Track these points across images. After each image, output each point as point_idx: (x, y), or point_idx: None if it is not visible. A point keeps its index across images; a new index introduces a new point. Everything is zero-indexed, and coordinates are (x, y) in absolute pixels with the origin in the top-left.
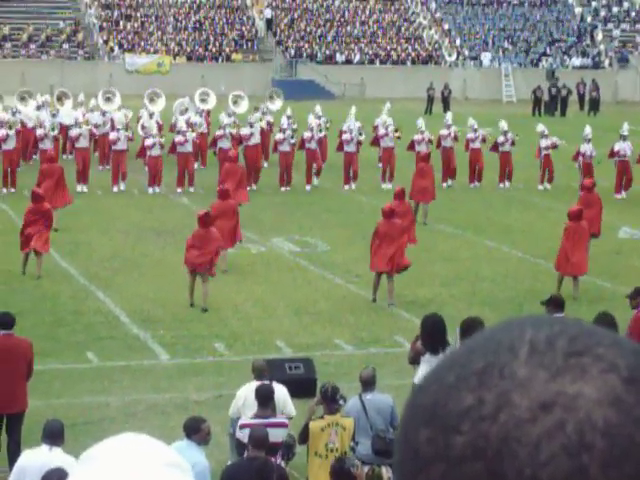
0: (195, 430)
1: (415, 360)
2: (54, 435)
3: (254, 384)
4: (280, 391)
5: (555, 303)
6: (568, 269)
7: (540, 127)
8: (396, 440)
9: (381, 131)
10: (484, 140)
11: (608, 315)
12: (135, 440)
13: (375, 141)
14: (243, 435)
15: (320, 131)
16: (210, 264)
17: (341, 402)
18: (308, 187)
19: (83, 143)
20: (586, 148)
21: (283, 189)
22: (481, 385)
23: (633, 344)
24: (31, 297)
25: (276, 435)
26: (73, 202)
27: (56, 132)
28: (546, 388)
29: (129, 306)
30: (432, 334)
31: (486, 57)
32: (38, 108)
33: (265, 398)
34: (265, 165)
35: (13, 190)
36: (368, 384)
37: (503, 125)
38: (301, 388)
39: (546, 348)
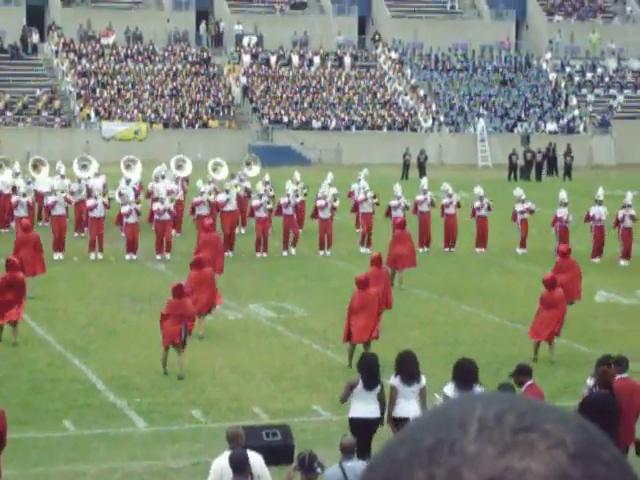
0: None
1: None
2: None
3: (228, 454)
4: (256, 459)
5: (523, 371)
6: (534, 335)
7: (518, 191)
8: None
9: (360, 196)
10: (459, 205)
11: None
12: None
13: (355, 207)
14: None
15: (297, 197)
16: (182, 335)
17: (318, 470)
18: (285, 253)
19: (59, 210)
20: (562, 212)
21: (259, 255)
22: (432, 461)
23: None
24: (7, 364)
25: None
26: (47, 271)
27: (29, 198)
28: (495, 464)
29: (106, 373)
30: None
31: (480, 123)
32: (16, 175)
33: (239, 464)
34: (242, 231)
35: None
36: (348, 451)
37: (479, 190)
38: (278, 455)
39: (495, 424)
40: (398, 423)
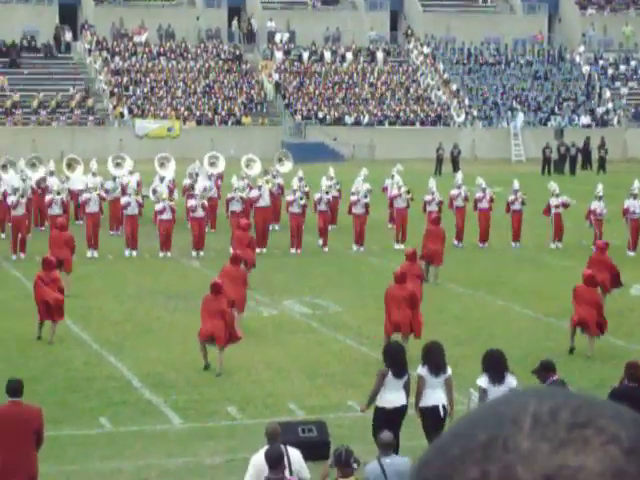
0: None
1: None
2: None
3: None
4: (295, 455)
5: (546, 367)
6: (583, 325)
7: (552, 185)
8: None
9: (394, 192)
10: (492, 200)
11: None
12: None
13: (389, 202)
14: None
15: (327, 193)
16: (228, 339)
17: (355, 465)
18: (326, 249)
19: (93, 208)
20: (596, 205)
21: (293, 251)
22: (485, 458)
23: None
24: (44, 363)
25: None
26: (78, 268)
27: (63, 197)
28: (549, 461)
29: (141, 371)
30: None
31: (519, 117)
32: (51, 174)
33: (275, 460)
34: (276, 227)
35: (23, 255)
36: (387, 447)
37: (515, 185)
38: (314, 451)
39: (549, 420)
40: (425, 412)
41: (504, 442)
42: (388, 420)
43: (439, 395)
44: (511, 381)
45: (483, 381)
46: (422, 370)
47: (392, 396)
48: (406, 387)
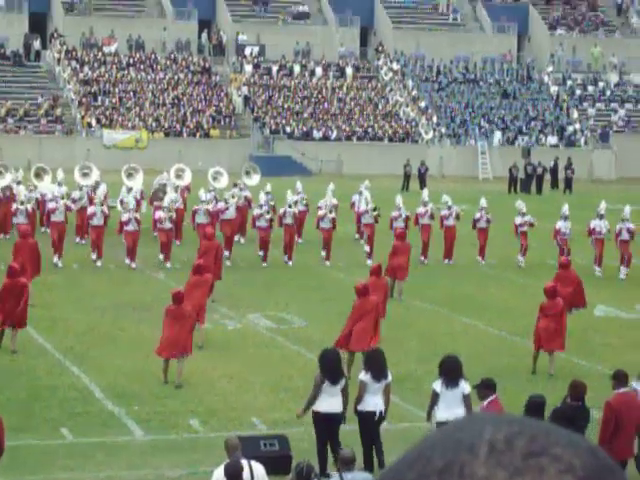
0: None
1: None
2: None
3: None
4: (258, 470)
5: (487, 386)
6: (544, 344)
7: (520, 204)
8: None
9: (362, 208)
10: (458, 217)
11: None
12: None
13: (357, 218)
14: None
15: (290, 207)
16: (184, 350)
17: None
18: (290, 262)
19: (59, 217)
20: (561, 225)
21: (264, 264)
22: None
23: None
24: (6, 372)
25: None
26: (43, 278)
27: (29, 206)
28: None
29: (104, 381)
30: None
31: (496, 136)
32: (18, 183)
33: (234, 475)
34: (242, 241)
35: None
36: (348, 463)
37: (483, 202)
38: (276, 465)
39: (505, 448)
40: (361, 416)
41: (460, 468)
42: (326, 424)
43: (377, 401)
44: (464, 387)
45: (437, 385)
46: (365, 376)
47: (328, 402)
48: (344, 392)
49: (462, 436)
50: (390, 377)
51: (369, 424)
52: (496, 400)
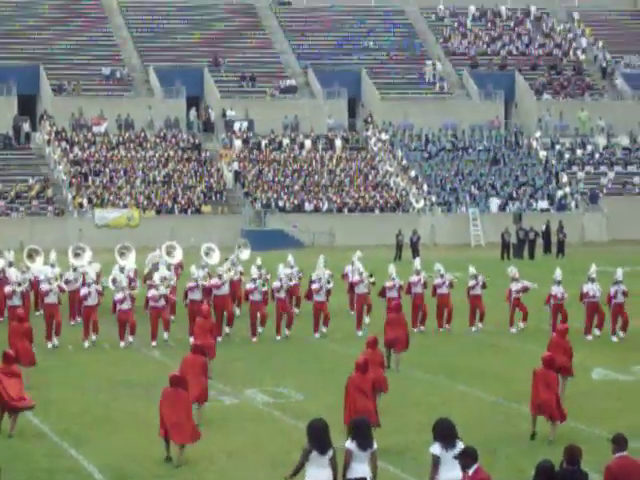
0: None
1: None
2: None
3: None
4: None
5: (469, 455)
6: (542, 412)
7: (512, 270)
8: None
9: (355, 278)
10: (451, 285)
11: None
12: None
13: (350, 288)
14: None
15: (290, 280)
16: (189, 436)
17: None
18: (278, 337)
19: (52, 299)
20: (557, 290)
21: (254, 339)
22: None
23: None
24: (4, 457)
25: None
26: (37, 361)
27: (23, 288)
28: None
29: (102, 462)
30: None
31: (493, 202)
32: (10, 265)
33: None
34: (238, 313)
35: None
36: None
37: (472, 270)
38: None
39: None
40: None
41: None
42: None
43: (365, 469)
44: (460, 445)
45: (436, 448)
46: (350, 445)
47: (317, 472)
48: (332, 462)
49: None
50: (375, 446)
51: None
52: (480, 468)
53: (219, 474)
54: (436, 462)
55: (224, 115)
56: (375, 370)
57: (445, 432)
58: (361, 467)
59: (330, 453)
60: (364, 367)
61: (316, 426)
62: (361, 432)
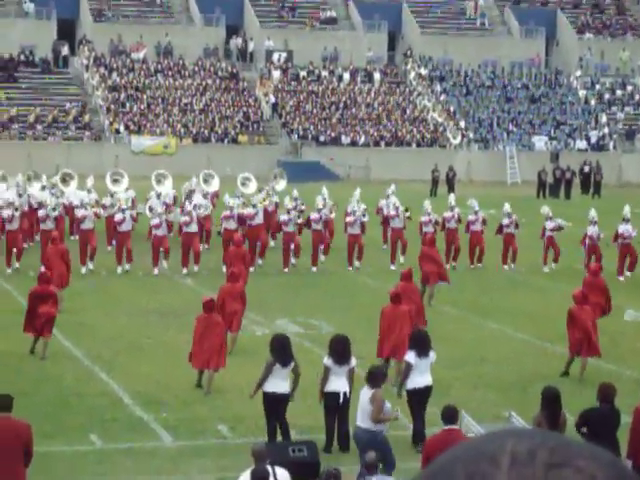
0: None
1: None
2: None
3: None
4: (283, 475)
5: (445, 416)
6: (582, 351)
7: (545, 209)
8: None
9: (391, 212)
10: (484, 222)
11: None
12: None
13: (384, 222)
14: None
15: (331, 212)
16: (217, 364)
17: None
18: (314, 268)
19: (88, 225)
20: (592, 230)
21: (286, 270)
22: None
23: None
24: (34, 378)
25: None
26: (71, 284)
27: (57, 213)
28: None
29: (132, 388)
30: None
31: (541, 140)
32: (43, 189)
33: None
34: (272, 244)
35: (18, 265)
36: (372, 468)
37: (507, 208)
38: (304, 471)
39: (527, 459)
40: (326, 396)
41: (482, 479)
42: (274, 404)
43: (342, 383)
44: (432, 355)
45: (411, 356)
46: (327, 361)
47: (277, 383)
48: (295, 372)
49: (484, 448)
50: (354, 362)
51: (334, 404)
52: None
53: (249, 403)
54: (408, 369)
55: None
56: (410, 302)
57: (420, 342)
58: (337, 382)
59: (292, 365)
60: (397, 298)
61: (279, 340)
62: (338, 348)
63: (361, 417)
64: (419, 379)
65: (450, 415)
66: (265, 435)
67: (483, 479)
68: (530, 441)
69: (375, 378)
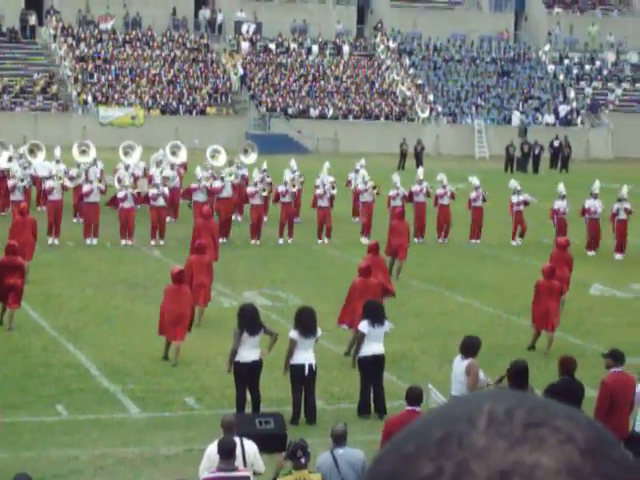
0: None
1: None
2: None
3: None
4: (250, 447)
5: (410, 397)
6: (544, 324)
7: (512, 183)
8: None
9: (360, 186)
10: (453, 196)
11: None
12: None
13: (355, 196)
14: None
15: (294, 186)
16: (183, 333)
17: (302, 460)
18: (280, 240)
19: (56, 196)
20: (560, 205)
21: (253, 242)
22: (440, 454)
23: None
24: (1, 349)
25: None
26: (37, 256)
27: (26, 183)
28: (505, 457)
29: (99, 359)
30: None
31: (515, 115)
32: (10, 159)
33: (227, 451)
34: (239, 219)
35: None
36: (340, 439)
37: (474, 181)
38: (271, 443)
39: (504, 419)
40: (292, 369)
41: (459, 439)
42: (246, 373)
43: (308, 355)
44: (387, 325)
45: (364, 326)
46: (293, 333)
47: (247, 352)
48: (270, 334)
49: (461, 410)
50: (320, 333)
51: (299, 377)
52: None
53: (215, 375)
54: (361, 338)
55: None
56: (378, 275)
57: (373, 311)
58: (303, 354)
59: (260, 334)
60: (367, 271)
61: (247, 309)
62: (305, 320)
63: (455, 387)
64: (369, 347)
65: (414, 396)
66: (233, 406)
67: (460, 439)
68: (507, 402)
69: (469, 348)
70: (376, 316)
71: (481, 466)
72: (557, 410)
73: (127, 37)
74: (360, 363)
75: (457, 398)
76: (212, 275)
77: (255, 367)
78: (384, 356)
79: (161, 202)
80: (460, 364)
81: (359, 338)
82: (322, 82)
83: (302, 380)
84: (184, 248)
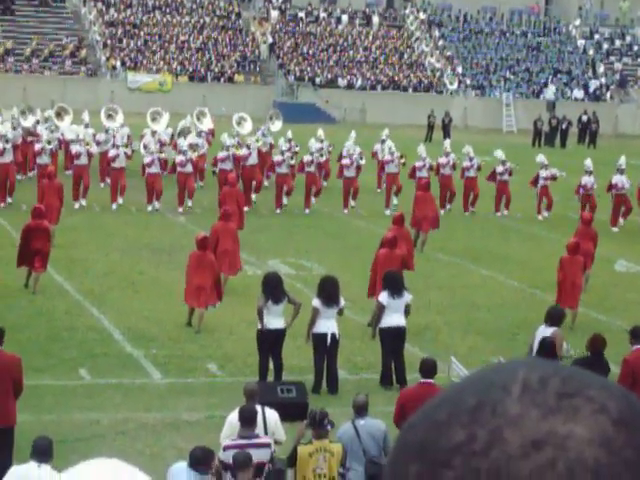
0: (203, 462)
1: None
2: (43, 452)
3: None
4: (271, 416)
5: (423, 370)
6: (568, 302)
7: (540, 158)
8: (384, 475)
9: (387, 157)
10: (479, 168)
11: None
12: (112, 466)
13: (380, 167)
14: (227, 457)
15: (321, 155)
16: (209, 301)
17: (328, 427)
18: (307, 210)
19: (82, 160)
20: (587, 180)
21: (279, 211)
22: (473, 422)
23: (621, 388)
24: (26, 312)
25: (260, 455)
26: (63, 220)
27: (52, 146)
28: (538, 426)
29: (123, 324)
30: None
31: (550, 90)
32: (37, 122)
33: (248, 419)
34: (266, 184)
35: (10, 200)
36: (361, 410)
37: (500, 154)
38: (293, 412)
39: (539, 387)
40: (314, 338)
41: (492, 407)
42: (270, 341)
43: (330, 324)
44: (407, 296)
45: (383, 297)
46: (316, 301)
47: (272, 320)
48: (294, 304)
49: (495, 377)
50: (343, 303)
51: (321, 346)
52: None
53: (238, 342)
54: (380, 309)
55: None
56: (402, 246)
57: (393, 282)
58: (325, 323)
59: (284, 302)
60: (392, 243)
61: (270, 278)
62: (328, 289)
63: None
64: (389, 319)
65: (428, 368)
66: (255, 374)
67: (493, 407)
68: (542, 370)
69: (555, 317)
70: (395, 287)
71: (514, 434)
72: (591, 380)
73: (156, 3)
74: (381, 334)
75: (493, 365)
76: (238, 243)
77: (279, 335)
78: (405, 328)
79: (189, 168)
80: (542, 333)
81: (378, 309)
82: (351, 52)
83: (324, 349)
84: (210, 215)
